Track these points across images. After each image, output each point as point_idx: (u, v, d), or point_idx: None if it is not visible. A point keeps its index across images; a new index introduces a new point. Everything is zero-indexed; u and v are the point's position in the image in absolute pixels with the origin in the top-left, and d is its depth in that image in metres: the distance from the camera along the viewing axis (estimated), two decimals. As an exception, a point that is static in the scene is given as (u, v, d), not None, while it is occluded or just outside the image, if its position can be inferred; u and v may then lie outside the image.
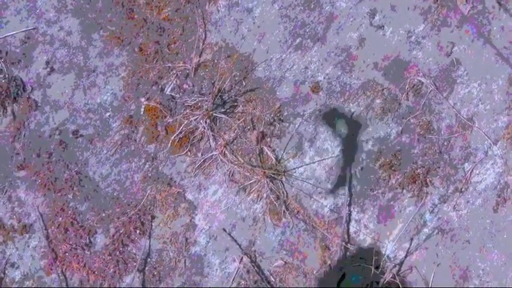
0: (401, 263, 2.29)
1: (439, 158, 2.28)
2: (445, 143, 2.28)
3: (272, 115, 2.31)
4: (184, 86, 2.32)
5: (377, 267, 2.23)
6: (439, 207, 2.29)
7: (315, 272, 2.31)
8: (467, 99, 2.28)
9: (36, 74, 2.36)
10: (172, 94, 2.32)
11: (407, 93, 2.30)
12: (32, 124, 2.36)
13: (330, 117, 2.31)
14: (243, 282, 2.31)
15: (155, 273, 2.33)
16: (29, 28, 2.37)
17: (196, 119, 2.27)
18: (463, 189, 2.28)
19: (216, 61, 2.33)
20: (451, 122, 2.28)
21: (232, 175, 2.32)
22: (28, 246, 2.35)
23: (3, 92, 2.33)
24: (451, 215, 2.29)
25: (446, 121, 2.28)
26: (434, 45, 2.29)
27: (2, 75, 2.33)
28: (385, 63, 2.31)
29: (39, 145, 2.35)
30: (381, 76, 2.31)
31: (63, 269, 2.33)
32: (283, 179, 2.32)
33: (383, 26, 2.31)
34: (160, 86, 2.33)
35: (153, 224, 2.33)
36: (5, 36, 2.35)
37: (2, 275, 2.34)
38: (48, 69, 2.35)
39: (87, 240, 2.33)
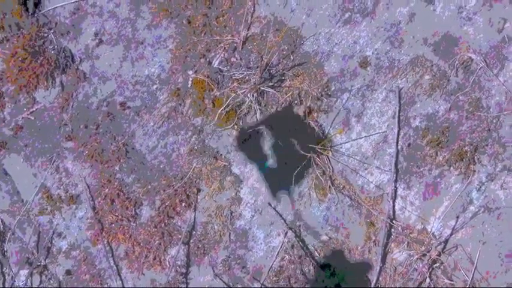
0: (446, 241, 2.27)
1: (487, 135, 2.26)
2: (494, 121, 2.26)
3: (319, 90, 2.30)
4: (232, 59, 2.32)
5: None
6: (486, 185, 2.27)
7: (359, 248, 2.31)
8: (518, 77, 2.25)
9: (85, 46, 2.37)
10: (220, 67, 2.31)
11: (457, 70, 2.27)
12: (80, 95, 2.37)
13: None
14: (287, 256, 2.32)
15: (200, 246, 2.34)
16: (79, -1, 2.38)
17: (244, 92, 2.26)
18: (511, 168, 2.26)
19: (264, 35, 2.32)
20: (500, 100, 2.25)
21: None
22: (75, 216, 2.37)
23: (52, 63, 2.34)
24: (498, 194, 2.26)
25: (495, 98, 2.26)
26: (486, 21, 2.26)
27: (51, 46, 2.35)
28: (434, 39, 2.28)
29: (87, 116, 2.36)
30: (430, 52, 2.28)
31: (109, 240, 2.36)
32: (330, 154, 2.31)
33: (433, 1, 2.28)
34: (208, 59, 2.33)
35: (198, 197, 2.34)
36: (55, 7, 2.36)
37: (49, 245, 2.37)
38: (97, 40, 2.36)
39: (133, 212, 2.34)
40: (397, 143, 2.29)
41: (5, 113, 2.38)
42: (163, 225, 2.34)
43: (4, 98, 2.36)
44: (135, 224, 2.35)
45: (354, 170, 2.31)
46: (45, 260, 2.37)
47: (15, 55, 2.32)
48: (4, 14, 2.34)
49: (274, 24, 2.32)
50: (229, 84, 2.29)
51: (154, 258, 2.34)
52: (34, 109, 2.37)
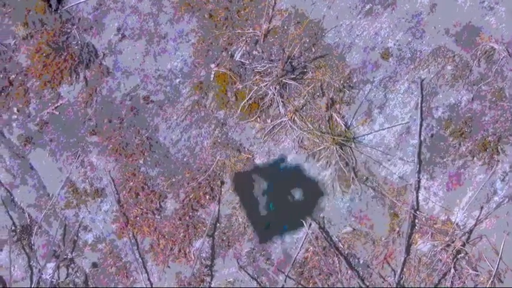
0: (470, 231, 2.27)
1: (510, 125, 2.25)
2: (518, 110, 2.25)
3: (342, 81, 2.30)
4: (254, 52, 2.33)
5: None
6: (510, 175, 2.26)
7: (383, 239, 2.31)
8: (541, 66, 2.24)
9: (108, 41, 2.39)
10: (242, 60, 2.32)
11: (479, 60, 2.26)
12: (104, 90, 2.39)
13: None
14: (311, 248, 2.32)
15: (224, 238, 2.35)
16: (101, -5, 2.40)
17: (266, 85, 2.27)
18: (535, 157, 2.25)
19: (285, 27, 2.33)
20: (524, 89, 2.25)
21: (301, 141, 2.32)
22: (100, 209, 2.39)
23: (75, 59, 2.36)
24: (522, 184, 2.26)
25: (519, 88, 2.25)
26: (508, 10, 2.25)
27: (74, 42, 2.37)
28: (456, 29, 2.27)
29: (110, 111, 2.38)
30: (452, 42, 2.28)
31: (134, 233, 2.37)
32: (353, 146, 2.31)
33: (455, -9, 2.28)
34: (230, 52, 2.34)
35: (222, 189, 2.35)
36: (78, 3, 2.39)
37: (76, 238, 2.39)
38: (120, 35, 2.38)
39: (158, 205, 2.36)
40: (420, 133, 2.29)
41: (30, 108, 2.40)
42: (187, 217, 2.35)
43: (29, 94, 2.39)
44: (159, 217, 2.36)
45: (377, 161, 2.31)
46: (71, 253, 2.40)
47: (39, 51, 2.34)
48: (28, 10, 2.37)
49: (295, 16, 2.33)
50: (252, 77, 2.30)
51: (179, 251, 2.36)
52: (59, 104, 2.39)
